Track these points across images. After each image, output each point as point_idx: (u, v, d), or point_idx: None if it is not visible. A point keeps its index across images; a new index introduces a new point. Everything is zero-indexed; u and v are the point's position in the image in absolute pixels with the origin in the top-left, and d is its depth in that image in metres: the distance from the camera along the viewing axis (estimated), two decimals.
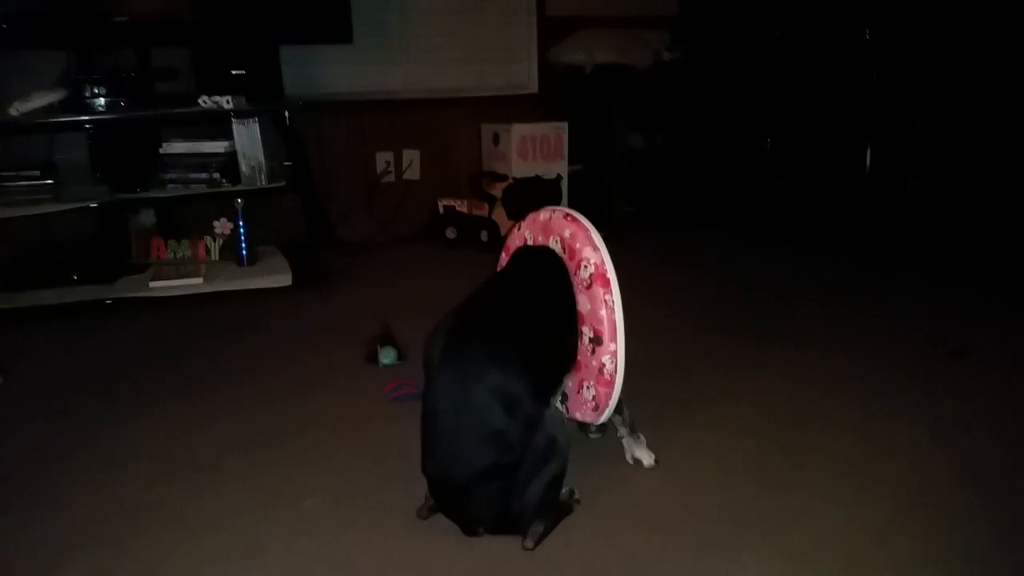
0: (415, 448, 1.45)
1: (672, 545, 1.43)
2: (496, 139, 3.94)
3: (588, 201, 3.95)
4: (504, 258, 1.78)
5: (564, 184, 3.93)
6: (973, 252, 3.57)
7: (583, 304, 1.56)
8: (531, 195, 3.70)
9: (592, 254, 1.56)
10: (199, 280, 2.99)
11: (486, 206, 3.75)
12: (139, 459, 1.78)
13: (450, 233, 3.89)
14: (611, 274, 1.55)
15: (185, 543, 1.46)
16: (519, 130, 3.82)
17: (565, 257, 1.61)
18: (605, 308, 1.53)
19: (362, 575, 1.37)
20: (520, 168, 3.83)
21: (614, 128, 3.96)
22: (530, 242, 1.72)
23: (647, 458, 1.70)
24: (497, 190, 3.75)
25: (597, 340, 1.54)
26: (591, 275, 1.54)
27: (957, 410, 1.96)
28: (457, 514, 1.44)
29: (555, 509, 1.47)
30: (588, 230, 1.60)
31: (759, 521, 1.50)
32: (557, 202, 3.82)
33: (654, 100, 4.15)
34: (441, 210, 3.92)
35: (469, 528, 1.43)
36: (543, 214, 1.70)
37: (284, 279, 3.08)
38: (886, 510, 1.53)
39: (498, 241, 1.84)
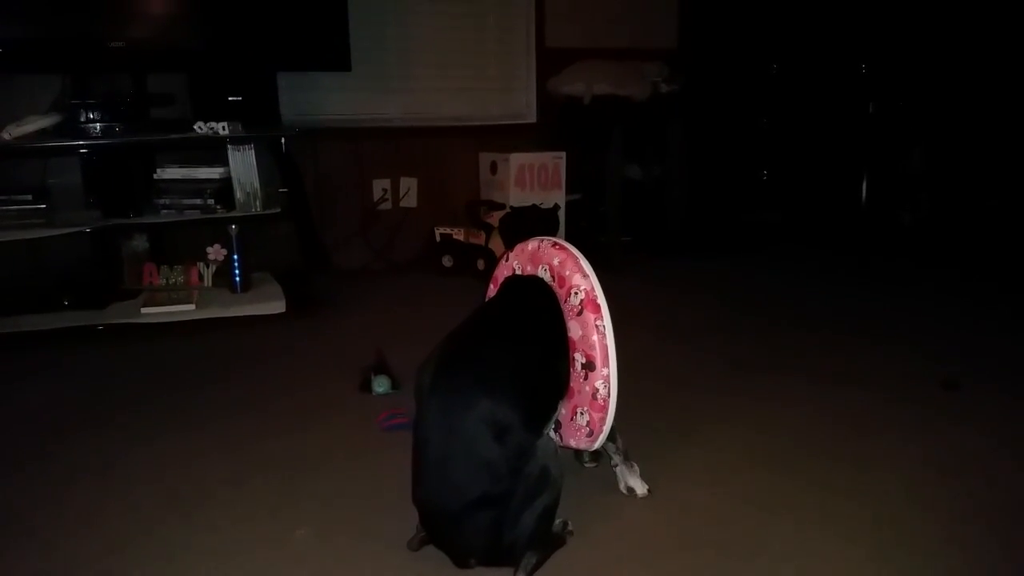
0: (407, 478, 1.43)
1: None
2: (494, 168, 3.94)
3: (585, 230, 3.97)
4: (492, 289, 1.77)
5: (562, 213, 3.93)
6: (967, 281, 3.59)
7: (574, 331, 1.55)
8: (528, 224, 3.69)
9: (582, 280, 1.55)
10: (191, 306, 2.97)
11: (483, 234, 3.74)
12: (128, 489, 1.75)
13: (446, 261, 3.88)
14: (601, 299, 1.54)
15: (173, 573, 1.44)
16: (517, 159, 3.82)
17: (555, 285, 1.60)
18: (596, 333, 1.52)
19: None
20: (518, 197, 3.83)
21: (612, 158, 3.96)
22: (519, 272, 1.71)
23: (640, 487, 1.68)
24: (494, 219, 3.74)
25: (589, 366, 1.53)
26: (581, 301, 1.54)
27: (952, 441, 1.94)
28: (448, 545, 1.41)
29: (548, 541, 1.45)
30: (577, 258, 1.60)
31: (753, 552, 1.48)
32: (554, 232, 3.82)
33: (652, 131, 4.17)
34: (438, 238, 3.91)
35: (460, 559, 1.40)
36: (531, 244, 1.69)
37: (278, 306, 3.06)
38: (882, 541, 1.52)
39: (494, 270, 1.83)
